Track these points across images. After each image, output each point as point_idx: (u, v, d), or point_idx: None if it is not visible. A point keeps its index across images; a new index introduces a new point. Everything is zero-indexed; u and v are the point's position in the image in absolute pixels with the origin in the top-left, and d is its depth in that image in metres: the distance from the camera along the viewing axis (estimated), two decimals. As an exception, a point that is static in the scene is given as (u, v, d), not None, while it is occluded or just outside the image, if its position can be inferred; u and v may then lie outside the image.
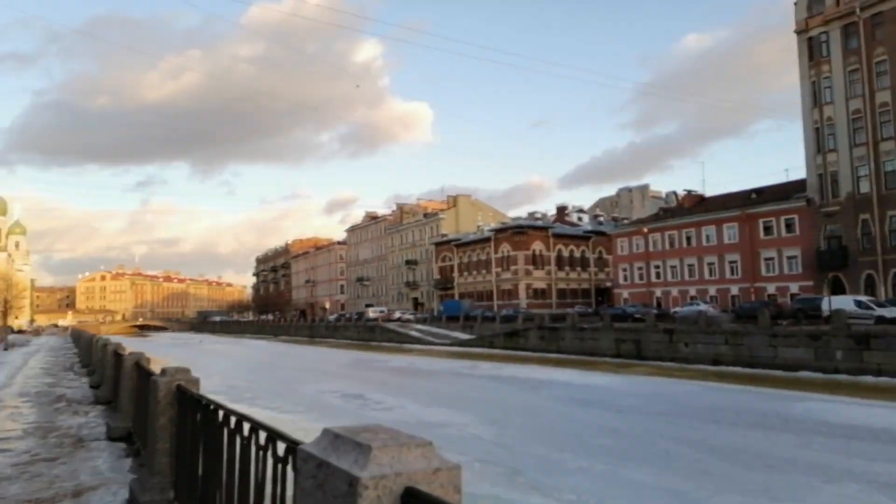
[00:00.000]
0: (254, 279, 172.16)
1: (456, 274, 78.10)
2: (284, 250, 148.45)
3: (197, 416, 3.72)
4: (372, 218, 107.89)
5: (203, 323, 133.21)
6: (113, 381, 9.51)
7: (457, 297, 75.61)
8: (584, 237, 73.57)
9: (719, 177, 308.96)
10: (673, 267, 54.97)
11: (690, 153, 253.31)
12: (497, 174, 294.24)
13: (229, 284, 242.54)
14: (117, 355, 8.88)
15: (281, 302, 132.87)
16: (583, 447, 15.34)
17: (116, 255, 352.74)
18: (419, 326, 62.97)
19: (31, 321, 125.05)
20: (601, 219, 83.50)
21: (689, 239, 53.69)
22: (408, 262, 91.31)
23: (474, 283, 74.83)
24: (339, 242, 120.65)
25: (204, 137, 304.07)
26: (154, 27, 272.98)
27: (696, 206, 57.26)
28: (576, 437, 16.63)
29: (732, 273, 49.96)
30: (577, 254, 72.66)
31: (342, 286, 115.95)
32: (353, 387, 26.97)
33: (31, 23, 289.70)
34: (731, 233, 50.27)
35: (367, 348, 55.81)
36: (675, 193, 75.44)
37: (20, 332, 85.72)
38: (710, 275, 51.65)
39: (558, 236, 71.07)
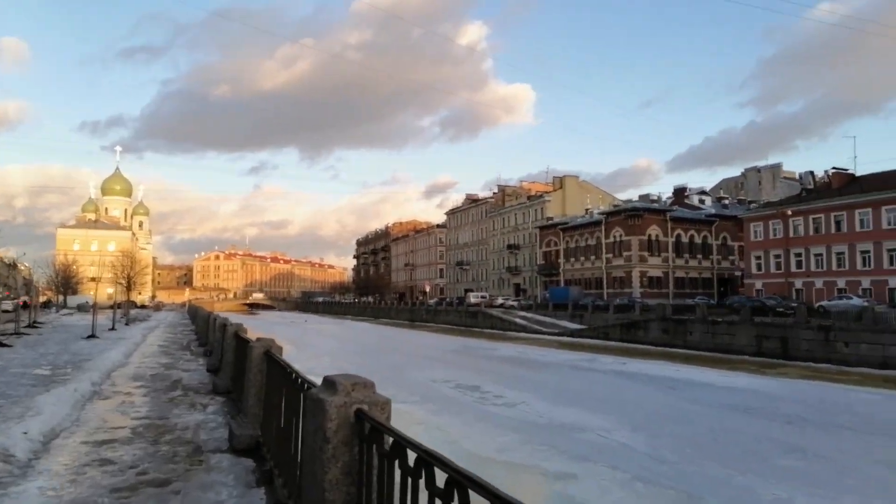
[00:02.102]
0: (354, 261, 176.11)
1: (562, 259, 74.75)
2: (384, 233, 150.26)
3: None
4: (472, 201, 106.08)
5: (307, 303, 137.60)
6: (233, 368, 8.02)
7: (562, 283, 72.43)
8: (706, 221, 67.84)
9: (863, 157, 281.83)
10: (818, 255, 48.74)
11: (818, 132, 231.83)
12: (601, 157, 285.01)
13: (331, 266, 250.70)
14: (241, 340, 7.31)
15: (380, 284, 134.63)
16: (768, 469, 12.53)
17: (230, 237, 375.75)
18: (524, 313, 60.56)
19: (153, 297, 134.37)
20: (725, 201, 76.89)
21: (838, 223, 47.25)
22: (509, 247, 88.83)
23: (582, 269, 71.24)
24: (438, 226, 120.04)
25: (313, 124, 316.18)
26: (271, 17, 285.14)
27: (845, 186, 50.37)
28: (751, 454, 13.76)
29: (892, 263, 43.56)
30: (698, 239, 67.12)
31: (441, 270, 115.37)
32: (465, 376, 25.17)
33: (161, 17, 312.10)
34: (891, 217, 43.72)
35: (470, 334, 54.17)
36: (811, 174, 67.93)
37: (142, 307, 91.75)
38: (864, 265, 45.28)
39: (677, 220, 65.87)
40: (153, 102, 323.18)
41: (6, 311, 31.19)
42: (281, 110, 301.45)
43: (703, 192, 76.94)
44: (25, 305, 46.34)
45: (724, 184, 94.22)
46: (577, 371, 27.75)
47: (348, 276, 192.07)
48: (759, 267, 54.38)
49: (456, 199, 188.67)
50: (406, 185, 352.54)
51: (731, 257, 68.64)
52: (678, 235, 65.92)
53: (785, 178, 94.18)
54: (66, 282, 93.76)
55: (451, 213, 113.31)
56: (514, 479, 11.42)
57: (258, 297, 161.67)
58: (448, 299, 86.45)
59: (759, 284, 54.05)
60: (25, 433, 5.27)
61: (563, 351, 37.80)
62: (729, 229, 68.48)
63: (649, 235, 64.23)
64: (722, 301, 57.38)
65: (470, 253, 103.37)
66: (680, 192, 73.88)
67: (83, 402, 7.65)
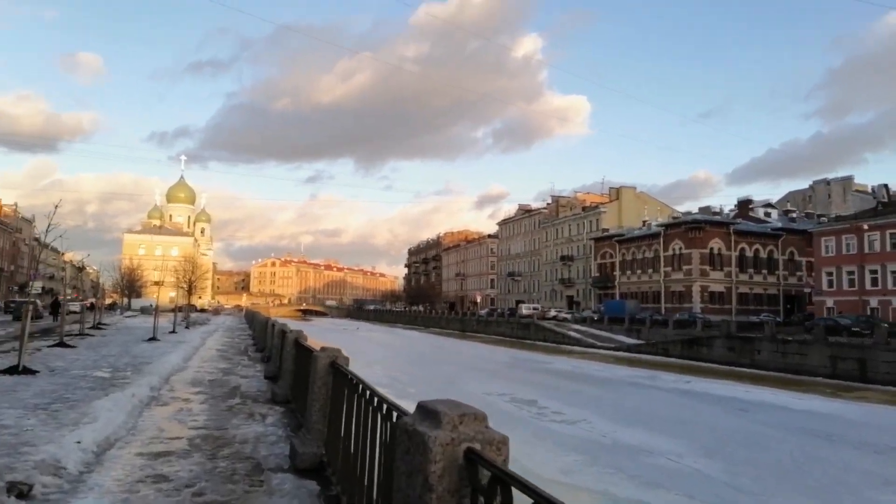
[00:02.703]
0: (405, 270, 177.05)
1: (617, 272, 72.79)
2: (436, 242, 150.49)
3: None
4: (525, 211, 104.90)
5: (359, 310, 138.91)
6: (292, 377, 7.66)
7: (617, 296, 70.47)
8: (772, 235, 64.76)
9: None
10: (895, 272, 45.83)
11: (889, 145, 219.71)
12: (657, 169, 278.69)
13: (382, 275, 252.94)
14: (302, 348, 6.93)
15: (431, 294, 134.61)
16: (863, 505, 11.43)
17: (286, 244, 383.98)
18: (577, 327, 59.10)
19: (212, 301, 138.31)
20: (793, 215, 73.33)
21: (919, 239, 44.30)
22: (563, 258, 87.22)
23: (638, 282, 69.13)
24: (490, 236, 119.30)
25: (369, 135, 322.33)
26: (331, 33, 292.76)
27: (927, 199, 47.23)
28: (841, 485, 12.55)
29: (982, 283, 40.41)
30: (763, 254, 64.10)
31: (492, 280, 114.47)
32: (520, 390, 24.42)
33: (228, 32, 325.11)
34: (981, 233, 40.64)
35: (522, 346, 53.19)
36: (885, 186, 64.21)
37: (202, 310, 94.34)
38: (949, 284, 42.26)
39: (741, 233, 63.09)
40: (218, 114, 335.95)
41: (73, 313, 32.27)
42: (338, 122, 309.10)
43: (768, 205, 73.65)
44: (92, 307, 48.20)
45: (791, 197, 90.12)
46: (638, 388, 26.58)
47: (399, 284, 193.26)
48: (830, 284, 51.42)
49: (508, 209, 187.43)
50: (458, 195, 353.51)
51: (798, 273, 65.32)
52: (742, 249, 63.17)
53: (857, 191, 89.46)
54: (131, 285, 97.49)
55: (504, 223, 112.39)
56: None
57: (310, 303, 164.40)
58: (499, 310, 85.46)
59: (829, 302, 51.09)
60: (79, 442, 4.99)
61: (620, 366, 36.49)
62: (796, 244, 65.26)
63: (711, 249, 61.77)
64: (789, 319, 54.55)
65: (522, 264, 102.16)
66: (744, 205, 70.88)
67: (140, 409, 7.42)
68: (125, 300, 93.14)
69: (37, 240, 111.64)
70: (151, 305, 48.12)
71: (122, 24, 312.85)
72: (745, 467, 13.07)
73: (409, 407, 2.56)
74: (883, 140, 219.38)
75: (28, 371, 9.93)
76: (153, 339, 20.71)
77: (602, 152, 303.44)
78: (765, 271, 64.10)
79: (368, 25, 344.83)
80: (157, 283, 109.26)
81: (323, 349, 5.12)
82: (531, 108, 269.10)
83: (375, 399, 3.27)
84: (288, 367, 7.92)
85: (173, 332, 26.58)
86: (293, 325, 17.85)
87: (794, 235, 65.08)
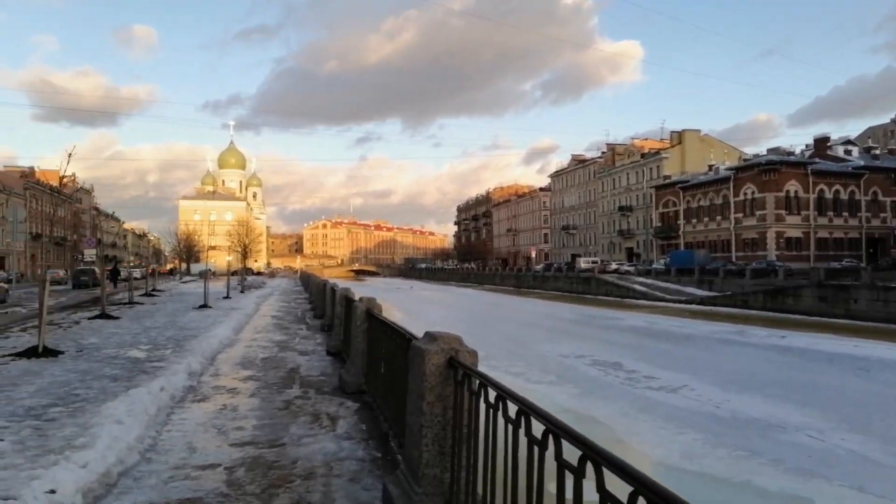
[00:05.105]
0: (455, 228, 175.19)
1: (681, 221, 68.79)
2: (485, 199, 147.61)
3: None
4: (579, 161, 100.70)
5: (410, 269, 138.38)
6: (366, 359, 5.74)
7: (682, 246, 66.74)
8: (853, 175, 59.40)
9: None
10: None
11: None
12: (715, 113, 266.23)
13: (431, 233, 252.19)
14: (382, 326, 4.91)
15: (482, 250, 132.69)
16: None
17: (337, 206, 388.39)
18: (642, 279, 56.08)
19: (268, 264, 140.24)
20: (875, 152, 67.26)
21: None
22: (621, 209, 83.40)
23: (705, 230, 65.11)
24: (541, 189, 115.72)
25: (416, 94, 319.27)
26: None
27: None
28: None
29: None
30: (844, 195, 58.96)
31: (545, 235, 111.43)
32: (598, 351, 22.24)
33: None
34: None
35: (584, 302, 50.76)
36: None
37: (258, 273, 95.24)
38: None
39: (819, 174, 58.05)
40: (267, 80, 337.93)
41: (136, 279, 31.58)
42: (385, 82, 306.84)
43: (849, 142, 67.59)
44: (153, 273, 48.14)
45: (872, 133, 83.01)
46: (730, 346, 24.04)
47: (449, 242, 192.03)
48: (926, 224, 46.70)
49: (559, 162, 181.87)
50: (507, 150, 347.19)
51: (882, 214, 60.17)
52: (821, 191, 58.28)
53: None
54: (189, 250, 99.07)
55: (556, 175, 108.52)
56: (724, 502, 8.59)
57: (362, 263, 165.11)
58: (556, 264, 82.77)
59: (926, 245, 46.51)
60: (53, 493, 3.15)
61: (699, 321, 33.79)
62: (880, 183, 60.02)
63: (787, 192, 57.18)
64: (876, 264, 50.09)
65: (576, 217, 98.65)
66: (822, 143, 65.22)
67: (169, 410, 5.65)
68: (184, 265, 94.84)
69: (96, 209, 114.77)
70: (210, 269, 47.80)
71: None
72: (911, 449, 10.62)
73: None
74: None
75: (50, 353, 8.39)
76: (204, 306, 19.41)
77: (656, 100, 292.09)
78: (846, 214, 59.21)
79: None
80: (212, 248, 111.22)
81: (431, 337, 3.08)
82: (582, 58, 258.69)
83: None
84: (359, 348, 5.99)
85: (227, 297, 25.43)
86: (348, 285, 16.19)
87: (877, 174, 59.87)
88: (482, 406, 2.53)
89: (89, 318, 14.05)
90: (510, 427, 2.27)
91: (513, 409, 2.30)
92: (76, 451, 3.96)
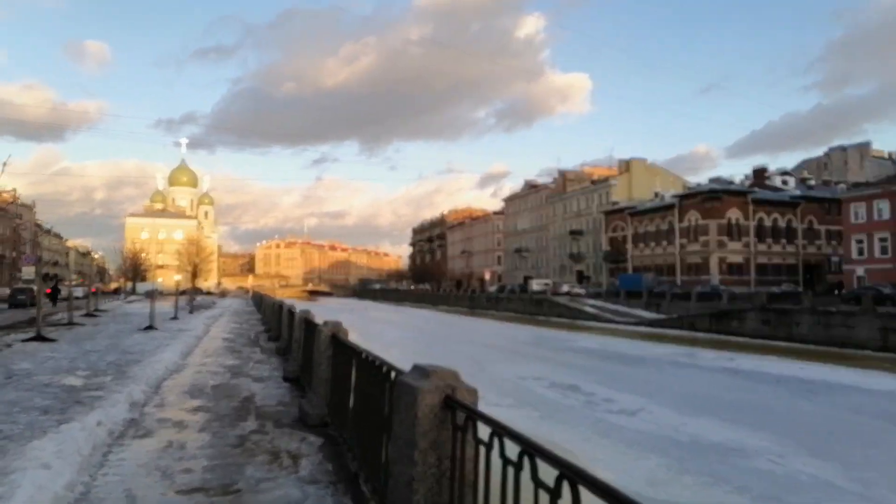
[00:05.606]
0: (409, 249, 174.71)
1: (630, 245, 70.42)
2: (440, 221, 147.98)
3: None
4: (532, 186, 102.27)
5: (365, 290, 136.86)
6: (331, 386, 5.38)
7: (630, 270, 68.22)
8: (790, 204, 62.16)
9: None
10: (934, 238, 43.42)
11: (889, 115, 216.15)
12: (657, 144, 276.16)
13: (386, 254, 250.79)
14: (350, 353, 4.55)
15: (437, 272, 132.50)
16: None
17: (291, 227, 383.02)
18: (593, 301, 56.96)
19: (218, 283, 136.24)
20: (810, 182, 70.68)
21: (958, 202, 41.82)
22: (572, 233, 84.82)
23: (652, 255, 66.79)
24: (496, 213, 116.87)
25: (372, 117, 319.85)
26: (334, 17, 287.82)
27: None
28: None
29: None
30: (782, 223, 61.51)
31: (499, 257, 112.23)
32: (555, 373, 22.25)
33: (232, 19, 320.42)
34: None
35: (537, 323, 51.05)
36: (908, 151, 61.66)
37: (207, 293, 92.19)
38: None
39: (759, 203, 60.49)
40: (223, 100, 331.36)
41: (77, 298, 29.99)
42: (342, 105, 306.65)
43: (785, 173, 70.95)
44: (96, 293, 45.91)
45: (807, 164, 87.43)
46: (681, 368, 24.44)
47: (404, 263, 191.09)
48: (860, 252, 49.10)
49: (512, 187, 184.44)
50: (461, 174, 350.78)
51: (817, 242, 63.06)
52: (760, 219, 60.71)
53: (874, 156, 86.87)
54: (135, 269, 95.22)
55: (510, 199, 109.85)
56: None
57: (316, 283, 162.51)
58: (509, 286, 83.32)
59: (860, 271, 48.82)
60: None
61: (649, 343, 34.37)
62: (815, 212, 62.93)
63: (729, 219, 59.34)
64: (813, 289, 52.26)
65: (529, 240, 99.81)
66: (760, 173, 68.19)
67: (106, 448, 5.07)
68: (130, 284, 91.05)
69: (38, 225, 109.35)
70: (156, 289, 45.91)
71: (126, 12, 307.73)
72: (869, 471, 10.81)
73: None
74: (883, 110, 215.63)
75: (-25, 380, 7.69)
76: (150, 327, 18.50)
77: (605, 129, 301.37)
78: (783, 241, 61.76)
79: (371, 8, 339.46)
80: (160, 267, 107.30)
81: (423, 372, 2.78)
82: (533, 88, 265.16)
83: None
84: (323, 376, 5.64)
85: (175, 318, 24.38)
86: (303, 305, 15.68)
87: (812, 203, 62.79)
88: (485, 454, 2.19)
89: (23, 341, 13.11)
90: (539, 491, 1.76)
91: (545, 470, 1.80)
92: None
